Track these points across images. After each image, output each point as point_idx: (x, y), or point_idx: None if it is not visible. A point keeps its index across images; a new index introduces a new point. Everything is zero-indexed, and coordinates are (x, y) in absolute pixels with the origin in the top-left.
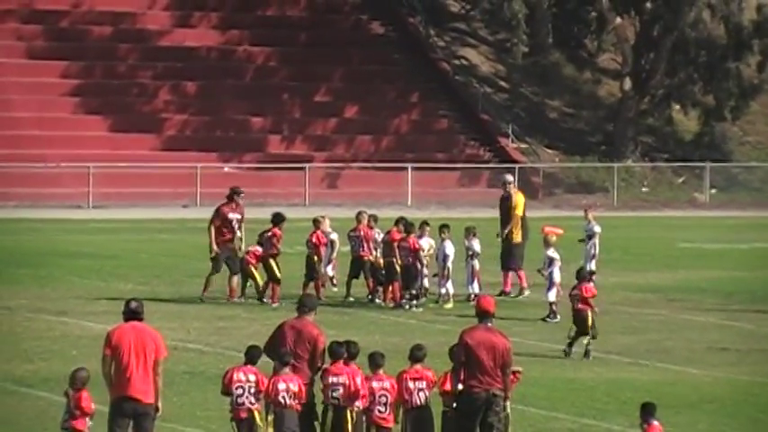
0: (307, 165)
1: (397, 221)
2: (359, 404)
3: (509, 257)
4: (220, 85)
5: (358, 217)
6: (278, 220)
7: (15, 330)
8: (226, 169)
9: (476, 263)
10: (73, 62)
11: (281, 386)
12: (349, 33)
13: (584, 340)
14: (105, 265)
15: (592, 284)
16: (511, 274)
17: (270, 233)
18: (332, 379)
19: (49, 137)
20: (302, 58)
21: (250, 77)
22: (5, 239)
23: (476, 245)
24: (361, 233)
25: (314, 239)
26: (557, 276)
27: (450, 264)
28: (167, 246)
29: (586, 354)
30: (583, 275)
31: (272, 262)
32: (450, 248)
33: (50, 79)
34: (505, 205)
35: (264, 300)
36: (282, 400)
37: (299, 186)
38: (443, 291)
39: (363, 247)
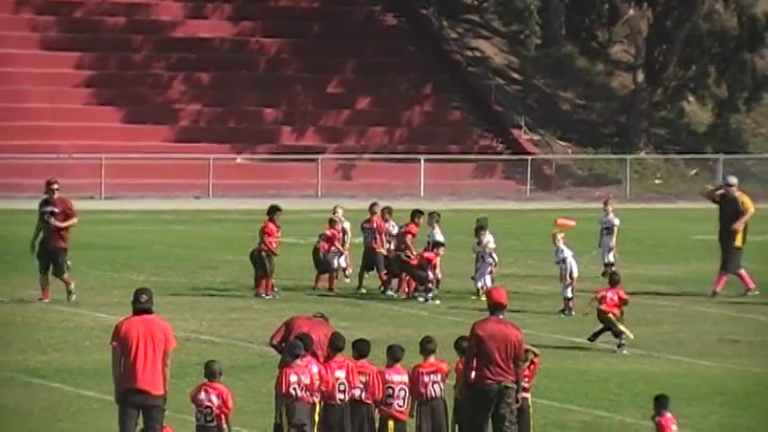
0: (319, 156)
1: (414, 215)
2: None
3: (729, 260)
4: (233, 76)
5: (372, 208)
6: (271, 211)
7: (28, 321)
8: (238, 160)
9: (489, 257)
10: (86, 53)
11: (293, 378)
12: (362, 25)
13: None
14: (118, 257)
15: (621, 291)
16: (726, 276)
17: (263, 226)
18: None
19: (62, 128)
20: (315, 50)
21: (263, 69)
22: (18, 230)
23: (490, 239)
24: (374, 225)
25: (329, 232)
26: (574, 271)
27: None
28: (180, 237)
29: (619, 346)
30: (614, 280)
31: (262, 254)
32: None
33: (64, 70)
34: (732, 207)
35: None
36: (294, 392)
37: (312, 178)
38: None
39: (376, 239)
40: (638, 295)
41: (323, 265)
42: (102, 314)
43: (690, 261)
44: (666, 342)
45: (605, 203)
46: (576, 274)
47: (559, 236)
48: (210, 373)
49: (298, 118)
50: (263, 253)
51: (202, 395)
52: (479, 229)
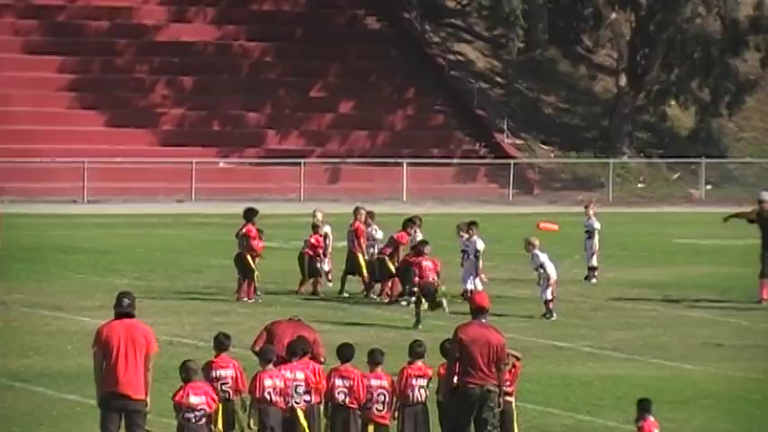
0: (302, 160)
1: (411, 221)
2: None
3: None
4: (216, 80)
5: (355, 213)
6: (249, 215)
7: (11, 325)
8: (221, 164)
9: (479, 260)
10: (69, 57)
11: (268, 383)
12: (345, 29)
13: None
14: (101, 260)
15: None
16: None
17: (243, 230)
18: (220, 372)
19: (44, 132)
20: (298, 54)
21: (246, 73)
22: (1, 234)
23: (479, 242)
24: (354, 228)
25: (313, 240)
26: (553, 274)
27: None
28: (163, 241)
29: None
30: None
31: (248, 258)
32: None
33: (47, 74)
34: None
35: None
36: (268, 397)
37: (295, 182)
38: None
39: (354, 242)
40: (621, 299)
41: (311, 270)
42: (84, 318)
43: (673, 265)
44: (649, 346)
45: (586, 207)
46: (554, 277)
47: (536, 242)
48: (189, 371)
49: (281, 122)
50: (250, 257)
51: (194, 398)
52: (471, 224)
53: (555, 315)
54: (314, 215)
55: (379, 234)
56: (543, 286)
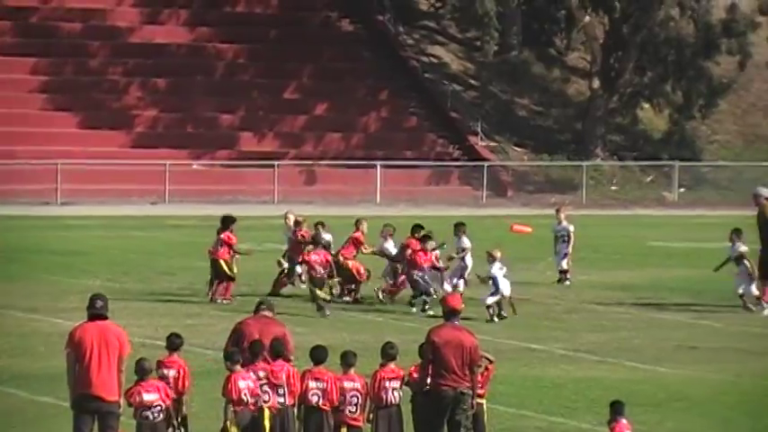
0: (276, 162)
1: (415, 229)
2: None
3: None
4: (190, 81)
5: (356, 223)
6: (230, 222)
7: None
8: (195, 166)
9: (467, 260)
10: (42, 58)
11: (242, 384)
12: (318, 31)
13: None
14: (75, 262)
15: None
16: None
17: (223, 236)
18: (163, 371)
19: (18, 133)
20: (271, 55)
21: (220, 74)
22: None
23: (466, 242)
24: (354, 237)
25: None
26: (505, 290)
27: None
28: (137, 243)
29: None
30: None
31: (221, 262)
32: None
33: (19, 75)
34: (763, 219)
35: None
36: (245, 398)
37: (269, 184)
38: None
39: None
40: (594, 302)
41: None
42: (58, 320)
43: (646, 267)
44: (623, 348)
45: (557, 211)
46: (507, 293)
47: (496, 255)
48: (142, 370)
49: (255, 123)
50: (223, 261)
51: (147, 396)
52: (460, 225)
53: (496, 319)
54: (285, 217)
55: (328, 236)
56: (488, 293)
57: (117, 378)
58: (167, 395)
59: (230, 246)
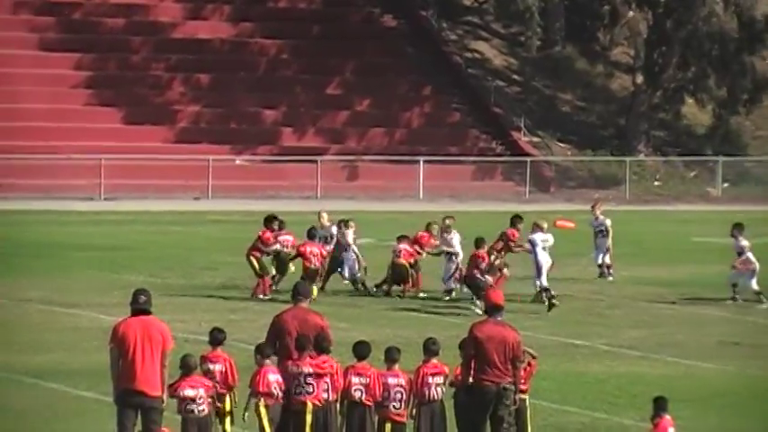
0: (319, 158)
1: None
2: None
3: None
4: (233, 77)
5: (427, 226)
6: (268, 221)
7: (27, 322)
8: (237, 162)
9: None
10: (85, 54)
11: (272, 377)
12: (361, 26)
13: None
14: (117, 257)
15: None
16: None
17: (260, 233)
18: (209, 366)
19: (61, 129)
20: (314, 51)
21: (262, 70)
22: (17, 231)
23: (456, 241)
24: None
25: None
26: (544, 260)
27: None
28: (179, 238)
29: None
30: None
31: (252, 259)
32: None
33: (63, 71)
34: None
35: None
36: (275, 392)
37: (312, 179)
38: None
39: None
40: (637, 298)
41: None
42: (100, 315)
43: (688, 263)
44: (665, 344)
45: (593, 207)
46: (547, 266)
47: (543, 225)
48: (187, 366)
49: (297, 119)
50: (253, 257)
51: (190, 391)
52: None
53: (555, 302)
54: (320, 217)
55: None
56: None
57: (160, 373)
58: (211, 390)
59: (263, 243)
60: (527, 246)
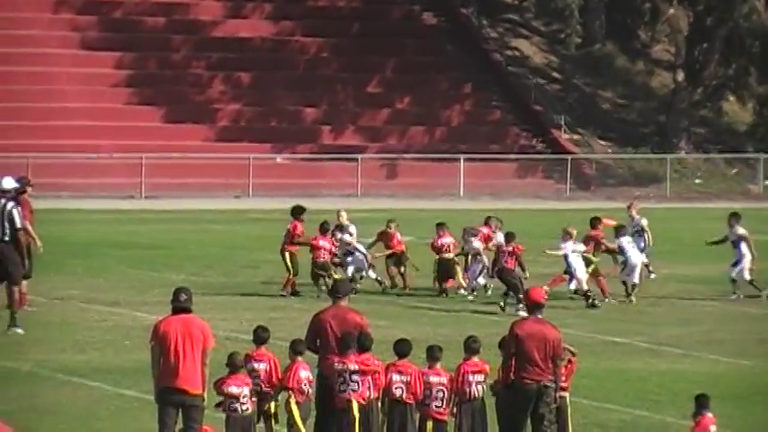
0: (359, 156)
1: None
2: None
3: None
4: (273, 75)
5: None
6: (296, 212)
7: (68, 321)
8: (278, 160)
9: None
10: (126, 53)
11: (303, 374)
12: (401, 24)
13: None
14: (157, 256)
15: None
16: None
17: (290, 226)
18: (254, 365)
19: (102, 127)
20: (354, 49)
21: (303, 68)
22: (58, 230)
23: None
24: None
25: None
26: (579, 269)
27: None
28: (220, 236)
29: None
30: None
31: (286, 254)
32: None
33: (104, 70)
34: None
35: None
36: (305, 388)
37: (352, 177)
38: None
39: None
40: (677, 296)
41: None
42: (141, 313)
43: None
44: (706, 342)
45: (629, 207)
46: (582, 274)
47: (573, 231)
48: (234, 364)
49: (337, 117)
50: (286, 252)
51: (234, 389)
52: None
53: (598, 303)
54: (339, 216)
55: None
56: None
57: (201, 371)
58: (255, 388)
59: (294, 235)
60: (613, 245)
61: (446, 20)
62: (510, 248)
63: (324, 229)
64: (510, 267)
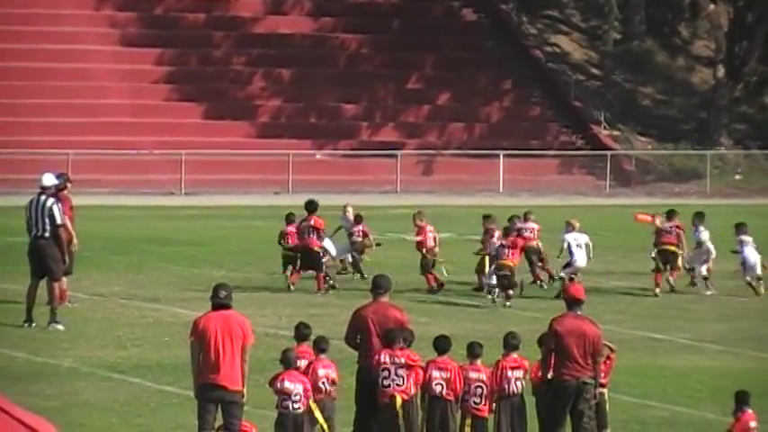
0: (399, 152)
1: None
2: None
3: None
4: (313, 72)
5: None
6: (311, 207)
7: (109, 317)
8: (318, 156)
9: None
10: (166, 49)
11: (321, 372)
12: (441, 20)
13: None
14: (198, 252)
15: None
16: None
17: (309, 221)
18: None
19: (142, 124)
20: (394, 46)
21: (343, 65)
22: (99, 226)
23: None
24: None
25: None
26: (580, 259)
27: None
28: (259, 233)
29: None
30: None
31: (315, 249)
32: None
33: (144, 66)
34: None
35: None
36: (323, 387)
37: (391, 173)
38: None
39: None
40: (718, 292)
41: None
42: (181, 309)
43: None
44: (747, 338)
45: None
46: (582, 264)
47: (575, 223)
48: (288, 360)
49: (377, 114)
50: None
51: (288, 384)
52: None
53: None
54: (344, 210)
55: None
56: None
57: (241, 368)
58: (307, 390)
59: (318, 230)
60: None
61: (486, 16)
62: (509, 242)
63: (289, 219)
64: (509, 263)
